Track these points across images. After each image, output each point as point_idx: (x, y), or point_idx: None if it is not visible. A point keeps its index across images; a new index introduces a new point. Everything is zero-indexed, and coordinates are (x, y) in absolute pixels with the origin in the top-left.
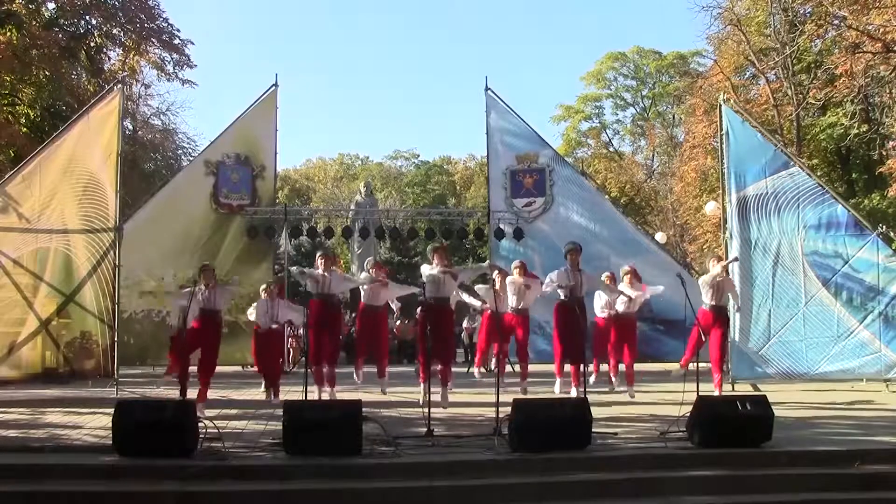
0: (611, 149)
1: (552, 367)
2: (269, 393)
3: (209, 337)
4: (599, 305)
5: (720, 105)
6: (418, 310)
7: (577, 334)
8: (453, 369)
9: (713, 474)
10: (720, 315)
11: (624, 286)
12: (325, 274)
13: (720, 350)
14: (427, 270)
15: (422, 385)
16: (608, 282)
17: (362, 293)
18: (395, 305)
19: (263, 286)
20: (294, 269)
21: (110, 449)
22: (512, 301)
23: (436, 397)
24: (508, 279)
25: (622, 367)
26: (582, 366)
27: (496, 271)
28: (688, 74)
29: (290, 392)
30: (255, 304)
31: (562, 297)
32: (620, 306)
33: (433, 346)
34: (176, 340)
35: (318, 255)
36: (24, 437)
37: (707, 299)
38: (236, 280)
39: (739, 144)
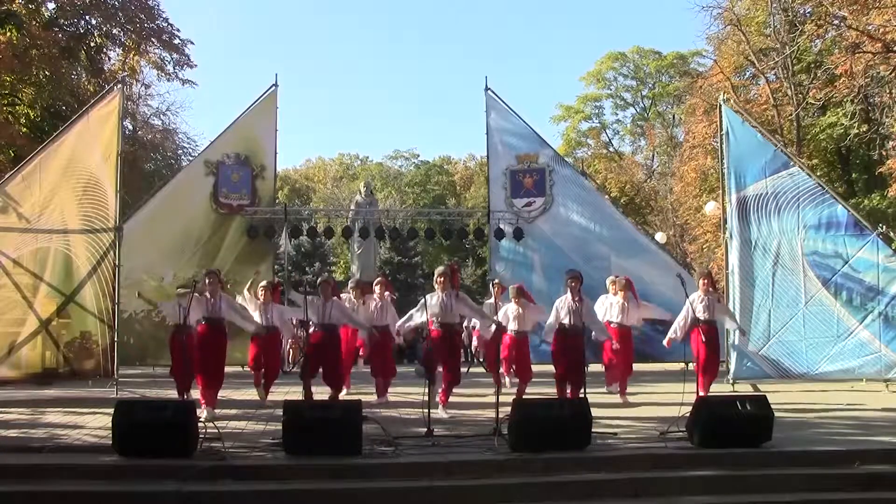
0: (611, 149)
1: (551, 369)
2: (262, 393)
3: (215, 345)
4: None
5: (720, 105)
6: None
7: (576, 361)
8: None
9: (713, 474)
10: (709, 334)
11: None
12: (326, 304)
13: (710, 376)
14: (431, 297)
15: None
16: (612, 287)
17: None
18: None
19: (262, 283)
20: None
21: (110, 449)
22: (513, 325)
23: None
24: (505, 308)
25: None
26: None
27: (494, 282)
28: (688, 74)
29: (290, 392)
30: (247, 299)
31: (562, 324)
32: (618, 317)
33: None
34: (175, 341)
35: (319, 280)
36: (24, 437)
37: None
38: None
39: (739, 144)
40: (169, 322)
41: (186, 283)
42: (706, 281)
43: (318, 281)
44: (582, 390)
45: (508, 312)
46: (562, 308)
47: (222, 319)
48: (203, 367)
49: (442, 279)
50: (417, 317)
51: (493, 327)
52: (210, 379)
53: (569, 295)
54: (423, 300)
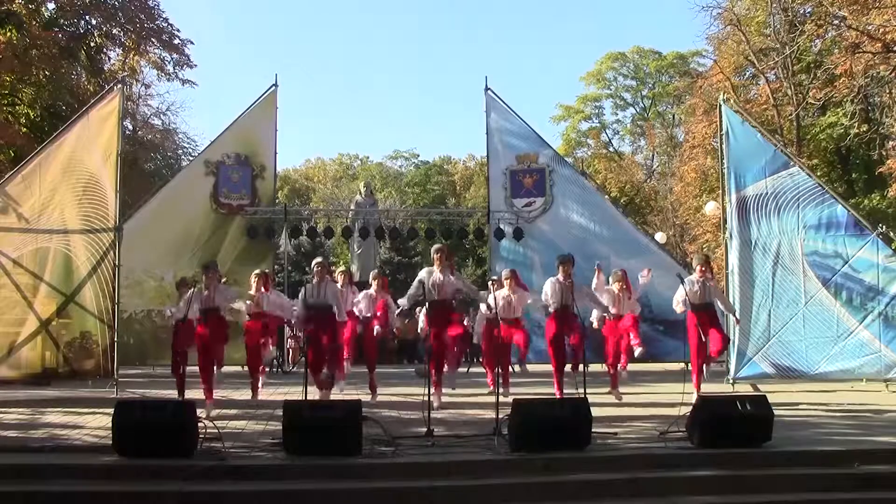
0: (611, 149)
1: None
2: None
3: (212, 334)
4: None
5: (720, 105)
6: (421, 312)
7: (571, 333)
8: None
9: (713, 474)
10: (703, 318)
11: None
12: (321, 284)
13: (722, 342)
14: (426, 274)
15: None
16: (617, 283)
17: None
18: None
19: (255, 272)
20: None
21: (110, 449)
22: (502, 312)
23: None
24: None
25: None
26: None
27: (493, 279)
28: (688, 74)
29: (290, 392)
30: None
31: (552, 309)
32: (614, 309)
33: (438, 349)
34: (176, 336)
35: (314, 262)
36: (24, 437)
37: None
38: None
39: (739, 144)
40: (169, 321)
41: (188, 281)
42: (702, 267)
43: (313, 263)
44: (581, 389)
45: (499, 297)
46: (551, 287)
47: (218, 308)
48: (204, 358)
49: (439, 255)
50: (415, 291)
51: (484, 308)
52: (210, 366)
53: (560, 276)
54: (419, 276)
